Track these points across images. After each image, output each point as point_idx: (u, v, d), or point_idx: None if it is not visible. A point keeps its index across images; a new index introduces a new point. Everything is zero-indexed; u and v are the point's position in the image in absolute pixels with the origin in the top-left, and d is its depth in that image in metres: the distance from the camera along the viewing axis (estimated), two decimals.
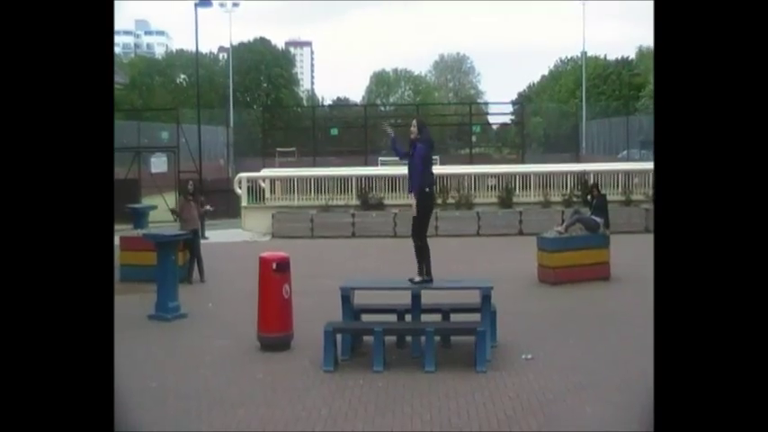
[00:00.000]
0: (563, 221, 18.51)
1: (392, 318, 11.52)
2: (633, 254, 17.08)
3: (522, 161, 50.86)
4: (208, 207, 18.37)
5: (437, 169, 29.00)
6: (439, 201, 26.44)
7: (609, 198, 21.76)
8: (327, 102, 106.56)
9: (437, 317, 11.46)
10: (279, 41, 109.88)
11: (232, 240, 25.35)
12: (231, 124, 66.03)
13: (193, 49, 41.53)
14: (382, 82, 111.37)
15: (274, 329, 11.13)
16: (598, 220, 16.99)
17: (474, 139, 63.09)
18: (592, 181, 22.71)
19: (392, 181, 27.26)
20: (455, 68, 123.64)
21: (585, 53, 78.23)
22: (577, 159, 55.43)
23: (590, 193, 18.16)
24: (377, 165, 44.35)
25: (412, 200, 10.99)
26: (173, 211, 18.02)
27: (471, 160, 50.92)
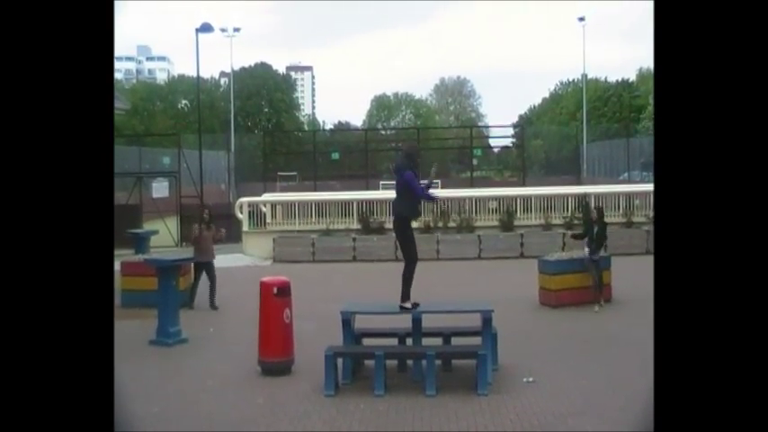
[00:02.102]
0: (564, 245, 18.35)
1: (393, 342, 11.50)
2: (635, 276, 17.05)
3: (524, 184, 50.90)
4: (222, 230, 18.13)
5: (439, 192, 29.21)
6: (440, 224, 26.51)
7: (610, 220, 21.72)
8: (328, 126, 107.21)
9: (438, 340, 11.45)
10: (280, 66, 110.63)
11: (233, 265, 25.31)
12: (232, 149, 66.23)
13: (195, 75, 41.78)
14: (383, 106, 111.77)
15: (275, 354, 11.12)
16: (594, 258, 16.35)
17: (475, 162, 63.35)
18: (592, 204, 22.22)
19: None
20: (456, 92, 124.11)
21: (586, 75, 78.50)
22: (578, 182, 55.50)
23: (589, 219, 17.55)
24: (378, 189, 44.40)
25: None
26: (192, 241, 17.76)
27: (472, 183, 51.00)
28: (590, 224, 17.25)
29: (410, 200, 11.08)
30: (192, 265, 17.24)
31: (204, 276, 17.08)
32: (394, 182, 11.72)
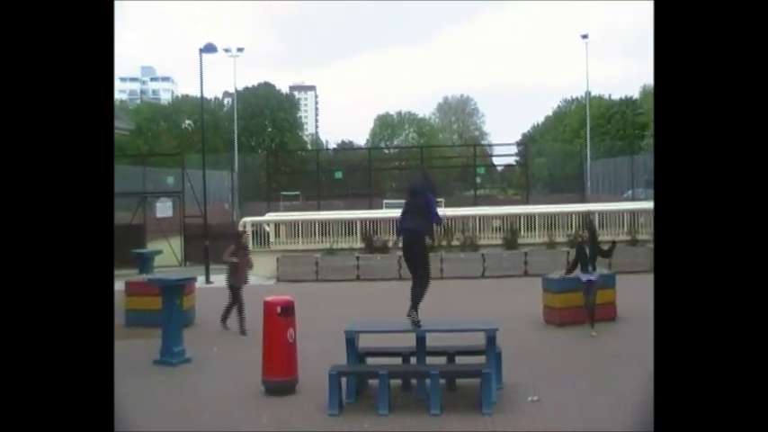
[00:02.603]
0: (568, 263, 18.11)
1: (397, 361, 11.47)
2: (639, 293, 16.98)
3: (527, 202, 50.90)
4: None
5: (442, 211, 29.22)
6: (444, 243, 26.48)
7: (615, 238, 21.47)
8: (332, 145, 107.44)
9: (442, 359, 11.42)
10: (283, 86, 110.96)
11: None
12: (236, 169, 66.35)
13: (199, 95, 41.91)
14: (386, 125, 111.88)
15: (279, 373, 11.10)
16: (591, 278, 15.77)
17: (478, 180, 63.37)
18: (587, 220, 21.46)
19: (396, 224, 27.12)
20: (459, 110, 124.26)
21: (589, 93, 78.57)
22: (583, 199, 55.47)
23: (580, 241, 16.89)
24: (381, 207, 44.40)
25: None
26: (231, 264, 17.61)
27: (476, 202, 50.99)
28: (581, 246, 16.48)
29: (427, 218, 11.19)
30: (229, 288, 17.17)
31: (225, 295, 17.10)
32: (404, 200, 11.79)
